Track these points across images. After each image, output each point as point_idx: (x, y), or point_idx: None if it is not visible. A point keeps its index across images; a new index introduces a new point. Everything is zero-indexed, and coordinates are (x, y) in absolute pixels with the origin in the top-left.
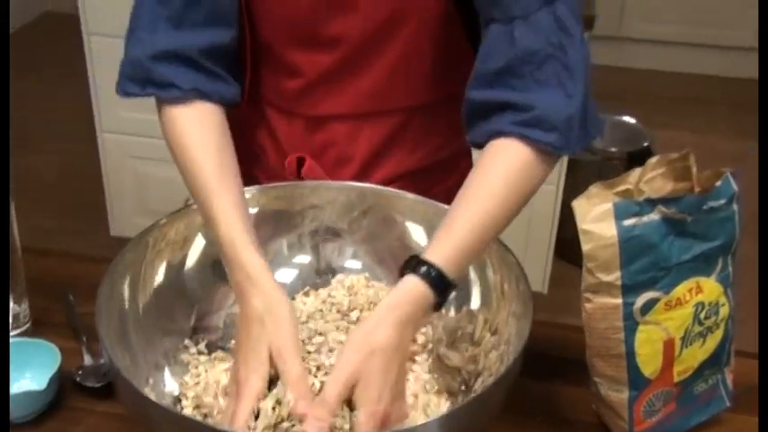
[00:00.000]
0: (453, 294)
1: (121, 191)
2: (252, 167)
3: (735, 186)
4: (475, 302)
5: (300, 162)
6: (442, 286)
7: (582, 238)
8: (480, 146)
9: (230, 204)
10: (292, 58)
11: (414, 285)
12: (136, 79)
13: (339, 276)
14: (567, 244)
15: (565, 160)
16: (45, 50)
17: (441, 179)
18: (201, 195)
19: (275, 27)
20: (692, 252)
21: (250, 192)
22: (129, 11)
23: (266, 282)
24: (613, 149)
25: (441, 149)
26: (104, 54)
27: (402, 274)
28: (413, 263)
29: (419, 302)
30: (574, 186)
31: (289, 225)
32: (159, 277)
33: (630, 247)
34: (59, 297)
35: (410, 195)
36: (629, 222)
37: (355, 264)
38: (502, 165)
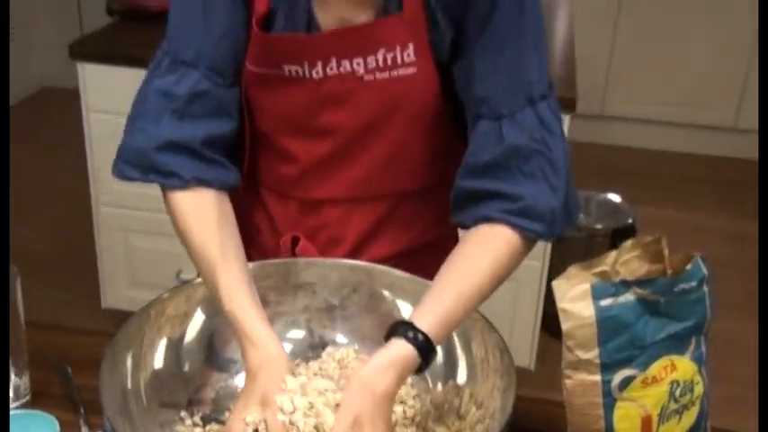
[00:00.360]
0: (440, 365)
1: (114, 263)
2: (247, 246)
3: (704, 270)
4: (461, 377)
5: (295, 241)
6: (427, 351)
7: (561, 316)
8: (466, 227)
9: (233, 277)
10: (289, 146)
11: (402, 349)
12: (138, 166)
13: (329, 349)
14: (554, 319)
15: None
16: (42, 123)
17: (429, 260)
18: (207, 272)
19: (273, 118)
20: (665, 331)
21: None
22: (127, 90)
23: (264, 340)
24: (599, 226)
25: (428, 232)
26: (102, 130)
27: (389, 337)
28: (401, 327)
29: (406, 364)
30: (559, 262)
31: (283, 300)
32: (159, 352)
33: (607, 326)
34: (58, 370)
35: (398, 272)
36: (605, 302)
37: (346, 338)
38: (490, 246)
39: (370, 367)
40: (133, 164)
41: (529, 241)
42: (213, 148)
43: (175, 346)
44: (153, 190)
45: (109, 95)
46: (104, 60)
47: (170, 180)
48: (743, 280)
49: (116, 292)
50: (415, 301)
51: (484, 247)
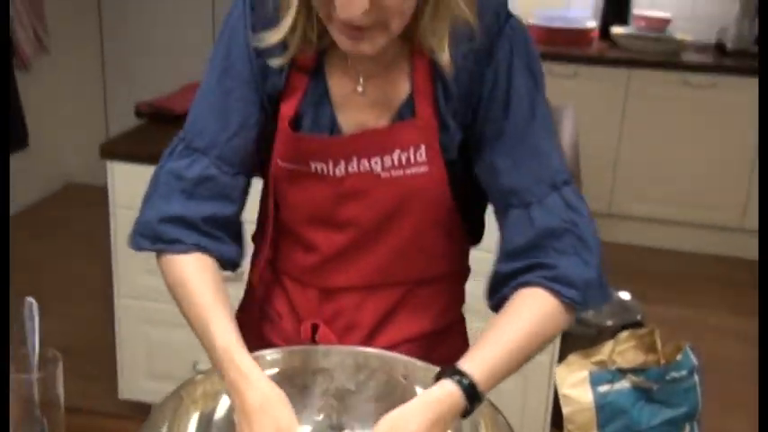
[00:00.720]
0: None
1: (133, 354)
2: (268, 331)
3: (694, 359)
4: None
5: (314, 328)
6: (473, 396)
7: (562, 401)
8: (498, 309)
9: (224, 318)
10: (311, 236)
11: (449, 389)
12: (147, 237)
13: None
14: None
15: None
16: (65, 218)
17: (440, 344)
18: (198, 315)
19: (298, 210)
20: (660, 417)
21: (269, 354)
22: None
23: (259, 377)
24: (608, 323)
25: (438, 319)
26: (128, 224)
27: (438, 379)
28: (450, 370)
29: (451, 406)
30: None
31: (303, 385)
32: (191, 428)
33: (605, 411)
34: None
35: (413, 360)
36: (603, 389)
37: (361, 422)
38: (533, 307)
39: (402, 408)
40: (144, 235)
41: (566, 307)
42: (215, 227)
43: (206, 423)
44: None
45: (135, 192)
46: (132, 159)
47: (173, 246)
48: (747, 379)
49: (133, 383)
50: (427, 386)
51: (525, 307)
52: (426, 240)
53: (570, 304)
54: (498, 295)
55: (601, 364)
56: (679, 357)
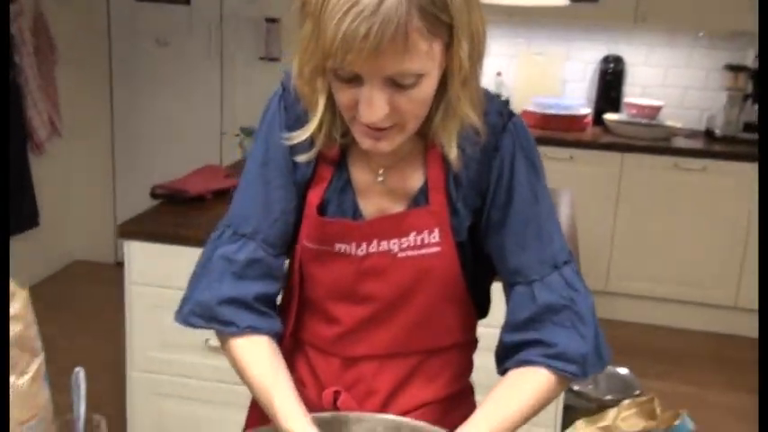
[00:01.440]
0: None
1: (143, 427)
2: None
3: (690, 426)
4: None
5: (335, 395)
6: None
7: None
8: (506, 372)
9: (289, 401)
10: (334, 310)
11: None
12: (203, 316)
13: None
14: None
15: (560, 406)
16: (70, 294)
17: (452, 410)
18: (264, 398)
19: (322, 286)
20: None
21: None
22: (164, 265)
23: None
24: (608, 398)
25: (450, 386)
26: (141, 300)
27: None
28: None
29: None
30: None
31: None
32: None
33: None
34: None
35: (437, 428)
36: None
37: None
38: (532, 384)
39: None
40: (198, 314)
41: (564, 380)
42: (263, 303)
43: None
44: (184, 356)
45: (149, 269)
46: (148, 238)
47: (228, 328)
48: None
49: None
50: None
51: (526, 385)
52: (439, 313)
53: (569, 378)
54: (503, 366)
55: (605, 429)
56: (677, 422)
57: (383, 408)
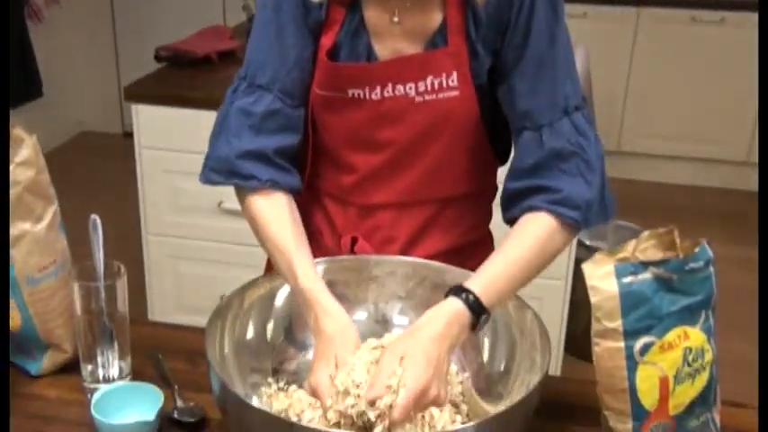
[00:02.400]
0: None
1: (162, 289)
2: (311, 245)
3: (710, 252)
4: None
5: (353, 242)
6: (477, 309)
7: (591, 292)
8: (513, 222)
9: (306, 263)
10: (349, 158)
11: (455, 306)
12: (222, 172)
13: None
14: (577, 339)
15: (572, 258)
16: (79, 164)
17: (469, 258)
18: (282, 259)
19: (337, 134)
20: (678, 305)
21: (323, 263)
22: (172, 129)
23: (338, 312)
24: None
25: (468, 234)
26: (152, 165)
27: (446, 296)
28: (456, 288)
29: (458, 320)
30: (582, 282)
31: (356, 292)
32: (250, 326)
33: (629, 299)
34: (150, 356)
35: (455, 269)
36: (627, 280)
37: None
38: (535, 230)
39: (411, 327)
40: (217, 171)
41: (568, 227)
42: (282, 157)
43: (263, 322)
44: (199, 220)
45: (159, 133)
46: (155, 101)
47: (249, 182)
48: (748, 304)
49: (164, 318)
50: None
51: (528, 230)
52: (457, 160)
53: (572, 224)
54: (508, 214)
55: (624, 260)
56: (697, 250)
57: (402, 255)
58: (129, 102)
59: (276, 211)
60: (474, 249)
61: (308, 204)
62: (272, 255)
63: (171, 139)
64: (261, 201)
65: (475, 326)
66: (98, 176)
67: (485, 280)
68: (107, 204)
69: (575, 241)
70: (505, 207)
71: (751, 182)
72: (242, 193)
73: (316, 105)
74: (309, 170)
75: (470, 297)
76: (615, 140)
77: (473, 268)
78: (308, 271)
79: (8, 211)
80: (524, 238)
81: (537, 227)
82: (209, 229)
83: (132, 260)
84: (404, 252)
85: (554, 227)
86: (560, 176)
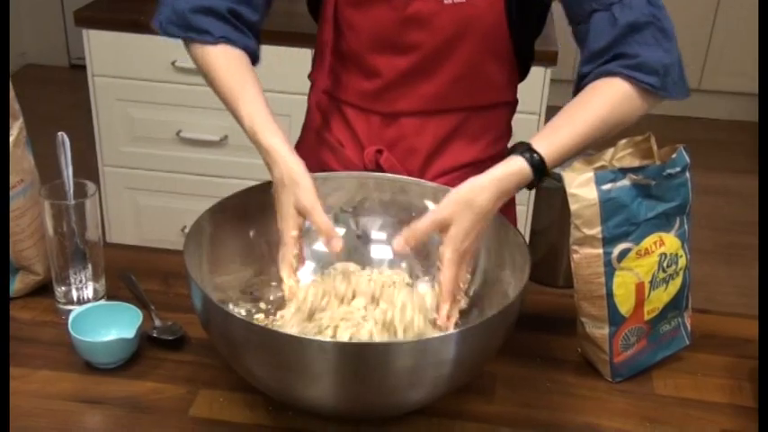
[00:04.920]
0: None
1: (121, 222)
2: (327, 158)
3: (687, 158)
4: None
5: (377, 154)
6: (540, 171)
7: (570, 200)
8: None
9: (253, 98)
10: (374, 61)
11: (519, 165)
12: (179, 25)
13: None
14: (537, 266)
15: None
16: (29, 99)
17: None
18: (230, 104)
19: (362, 36)
20: (655, 211)
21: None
22: (126, 56)
23: (283, 155)
24: None
25: (489, 148)
26: (106, 95)
27: (509, 155)
28: (522, 147)
29: (519, 179)
30: (542, 211)
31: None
32: (230, 239)
33: (608, 206)
34: (123, 277)
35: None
36: (606, 187)
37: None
38: (607, 93)
39: (469, 184)
40: (175, 24)
41: (645, 93)
42: (240, 21)
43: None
44: (157, 150)
45: (112, 61)
46: (108, 26)
47: (203, 36)
48: (714, 229)
49: None
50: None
51: (599, 92)
52: (482, 67)
53: (648, 90)
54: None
55: (602, 168)
56: (674, 156)
57: (424, 167)
58: (80, 27)
59: (226, 59)
60: (496, 164)
61: (328, 115)
62: (223, 99)
63: (125, 66)
64: (212, 50)
65: (533, 186)
66: (46, 110)
67: (551, 141)
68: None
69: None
70: (578, 87)
71: (704, 109)
72: (193, 46)
73: (343, 5)
74: (330, 78)
75: (536, 157)
76: (570, 69)
77: None
78: (256, 113)
79: (8, 210)
80: (594, 101)
81: (610, 90)
82: (167, 160)
83: None
84: (426, 163)
85: (630, 92)
86: (637, 47)
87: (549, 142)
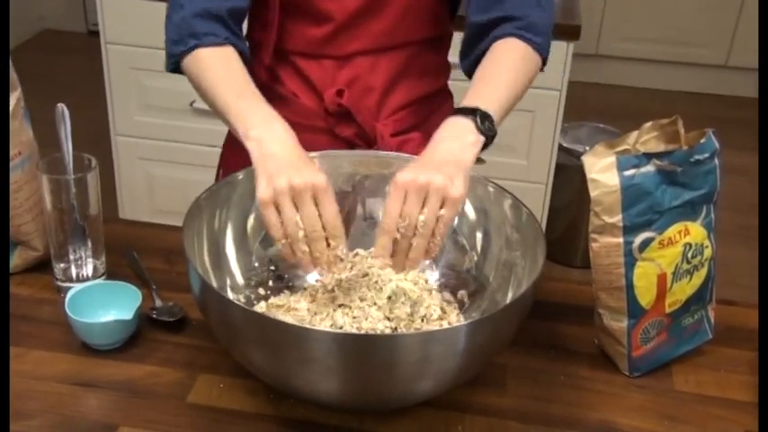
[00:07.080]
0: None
1: (132, 191)
2: (281, 111)
3: (716, 143)
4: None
5: (338, 95)
6: (488, 130)
7: (590, 186)
8: (473, 68)
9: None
10: (325, 6)
11: (462, 122)
12: (182, 39)
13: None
14: (554, 244)
15: (553, 161)
16: (43, 64)
17: (438, 107)
18: (218, 104)
19: None
20: (681, 199)
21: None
22: (140, 24)
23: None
24: None
25: (435, 82)
26: (119, 62)
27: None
28: (461, 109)
29: (469, 134)
30: (560, 188)
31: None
32: (229, 226)
33: (630, 193)
34: (125, 254)
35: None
36: (629, 173)
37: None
38: (510, 53)
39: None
40: (176, 40)
41: (535, 54)
42: (234, 21)
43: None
44: (170, 120)
45: (124, 29)
46: None
47: (207, 38)
48: (735, 210)
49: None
50: None
51: (506, 56)
52: (424, 4)
53: (538, 51)
54: (476, 51)
55: (625, 152)
56: (703, 141)
57: (380, 104)
58: None
59: (221, 60)
60: (440, 100)
61: (276, 69)
62: (213, 103)
63: (139, 34)
64: (210, 54)
65: (485, 146)
66: (62, 77)
67: (487, 97)
68: (73, 106)
69: (556, 145)
70: (472, 44)
71: (732, 86)
72: (194, 52)
73: None
74: (278, 31)
75: (478, 113)
76: (593, 44)
77: (438, 121)
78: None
79: (8, 210)
80: (508, 64)
81: (514, 52)
82: (180, 130)
83: (102, 163)
84: (381, 101)
85: (528, 52)
86: (520, 6)
87: (485, 98)
